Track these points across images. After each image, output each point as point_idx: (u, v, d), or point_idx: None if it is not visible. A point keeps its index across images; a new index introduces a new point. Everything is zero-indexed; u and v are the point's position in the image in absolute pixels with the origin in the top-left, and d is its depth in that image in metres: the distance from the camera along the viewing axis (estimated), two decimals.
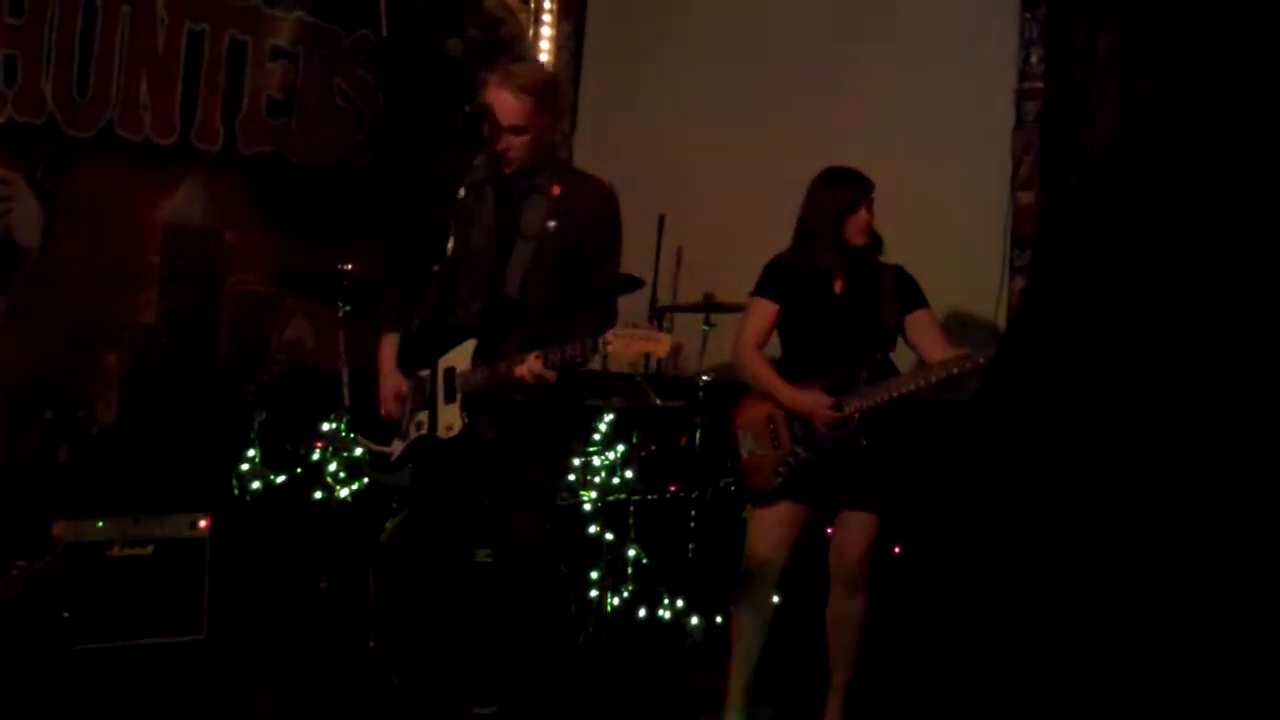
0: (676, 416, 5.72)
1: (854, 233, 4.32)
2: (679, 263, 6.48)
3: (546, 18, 7.29)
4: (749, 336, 4.44)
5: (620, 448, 5.52)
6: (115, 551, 4.93)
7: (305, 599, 5.20)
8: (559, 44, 7.39)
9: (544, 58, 7.28)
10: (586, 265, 4.08)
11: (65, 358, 5.70)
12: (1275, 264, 1.65)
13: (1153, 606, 1.66)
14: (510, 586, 4.17)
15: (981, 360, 4.09)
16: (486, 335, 4.03)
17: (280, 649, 5.05)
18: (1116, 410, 1.75)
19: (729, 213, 6.50)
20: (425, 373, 4.13)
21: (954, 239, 5.73)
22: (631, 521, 5.54)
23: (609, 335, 3.83)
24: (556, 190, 4.09)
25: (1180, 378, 1.69)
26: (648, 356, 4.21)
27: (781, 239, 4.50)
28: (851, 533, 4.33)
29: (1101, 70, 5.59)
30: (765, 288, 4.44)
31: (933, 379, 4.16)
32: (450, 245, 4.02)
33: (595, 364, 4.47)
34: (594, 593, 5.23)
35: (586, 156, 7.53)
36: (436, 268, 3.97)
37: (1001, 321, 5.70)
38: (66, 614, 4.74)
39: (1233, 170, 1.69)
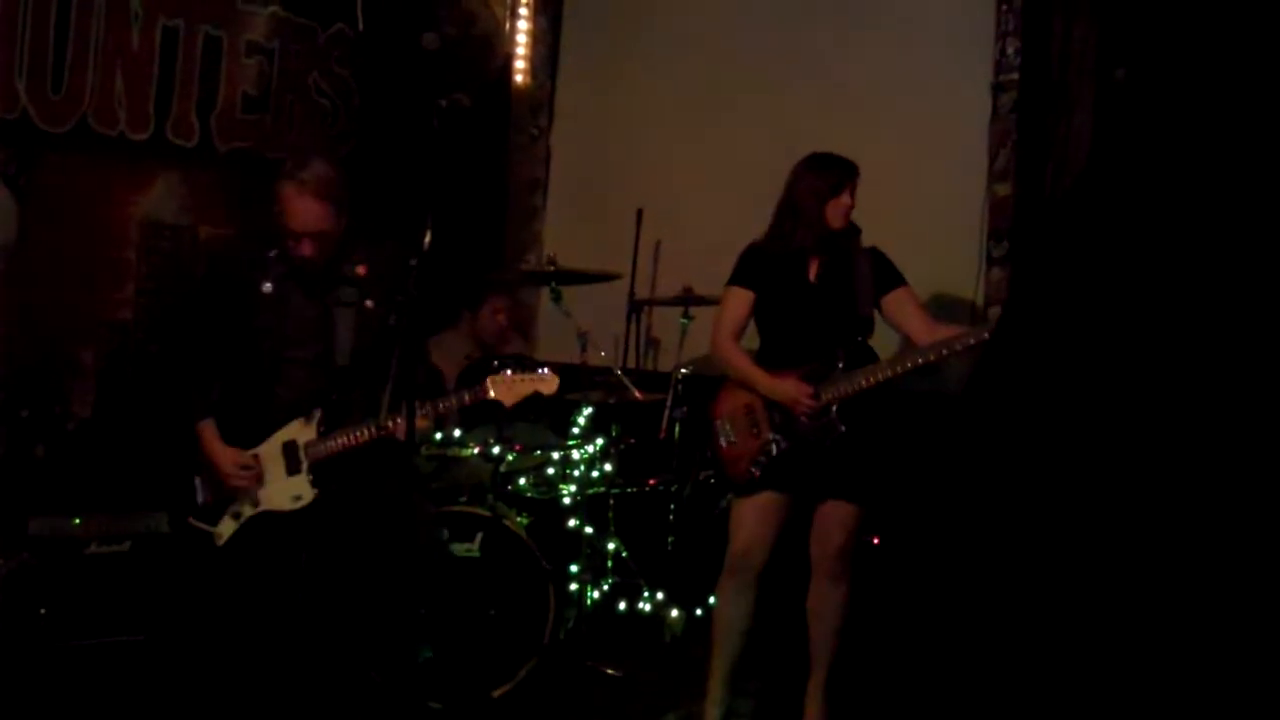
0: (656, 409, 5.72)
1: (834, 216, 4.35)
2: (657, 256, 6.48)
3: (523, 11, 7.28)
4: (726, 327, 4.44)
5: (599, 441, 5.52)
6: (92, 548, 4.90)
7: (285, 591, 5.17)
8: (535, 38, 7.37)
9: (520, 51, 7.27)
10: None
11: (41, 354, 5.66)
12: (1257, 258, 1.66)
13: (1143, 600, 1.66)
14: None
15: (959, 348, 4.10)
16: (329, 405, 4.22)
17: (259, 643, 5.02)
18: (1106, 406, 1.75)
19: (707, 206, 6.50)
20: (257, 450, 4.25)
21: (930, 231, 5.73)
22: (611, 515, 5.55)
23: (489, 382, 4.19)
24: (363, 271, 4.29)
25: (1169, 373, 1.70)
26: (537, 394, 4.37)
27: (759, 232, 4.50)
28: (832, 523, 4.33)
29: (1077, 62, 5.60)
30: (739, 276, 4.45)
31: (909, 365, 4.17)
32: (261, 335, 4.23)
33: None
34: (574, 586, 5.23)
35: (563, 151, 7.53)
36: (414, 261, 3.98)
37: (978, 312, 5.71)
38: (43, 611, 4.71)
39: (1215, 169, 1.70)
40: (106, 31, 5.76)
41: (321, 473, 4.22)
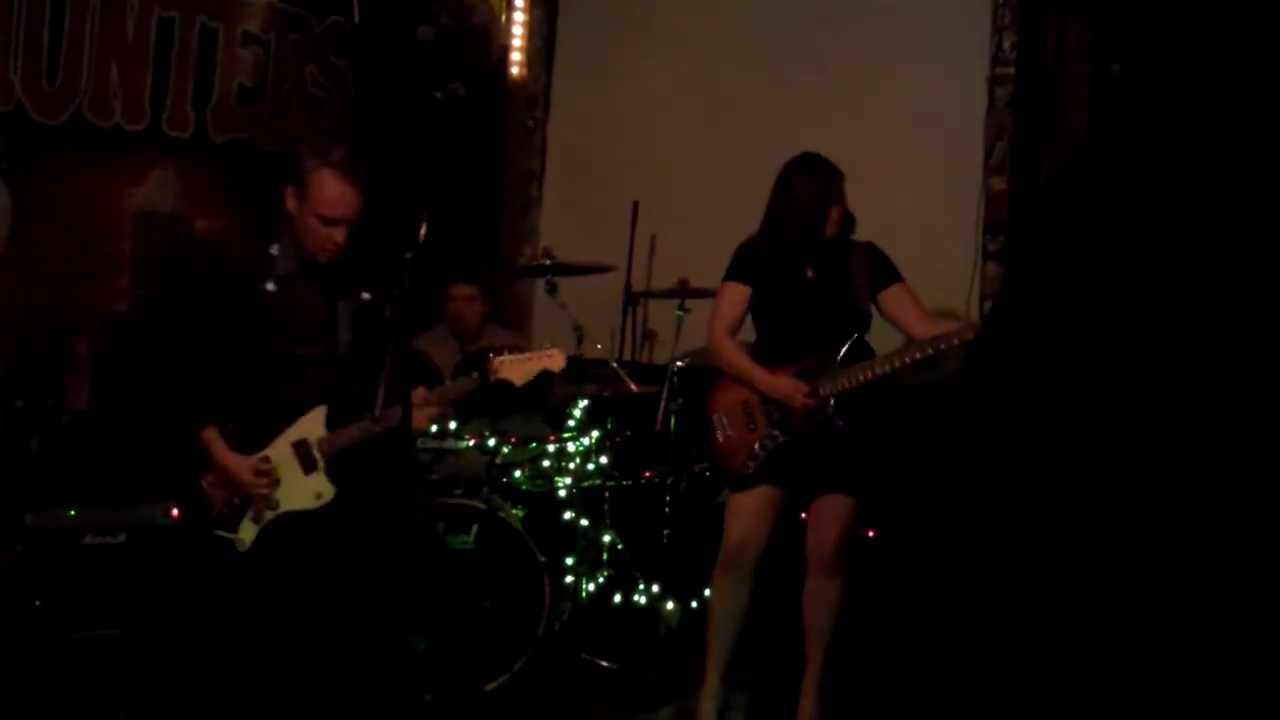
0: (651, 402, 5.72)
1: (826, 226, 4.35)
2: (653, 249, 6.48)
3: (519, 3, 7.27)
4: (722, 322, 4.44)
5: (595, 433, 5.52)
6: (87, 540, 4.90)
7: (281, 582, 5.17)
8: (531, 30, 7.37)
9: (516, 43, 7.26)
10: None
11: (36, 347, 5.65)
12: (1250, 252, 1.66)
13: (1134, 595, 1.66)
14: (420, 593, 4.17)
15: (955, 342, 4.10)
16: (335, 400, 4.17)
17: (254, 636, 5.02)
18: (1096, 399, 1.76)
19: (703, 199, 6.51)
20: (267, 452, 4.17)
21: (926, 224, 5.74)
22: (607, 507, 5.55)
23: (495, 363, 4.12)
24: (354, 263, 4.24)
25: (1160, 366, 1.70)
26: (545, 373, 4.32)
27: (755, 225, 4.50)
28: (828, 517, 4.34)
29: (1073, 57, 5.61)
30: (736, 271, 4.45)
31: (907, 360, 4.17)
32: (268, 334, 4.14)
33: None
34: (569, 578, 5.24)
35: (559, 144, 7.53)
36: (409, 254, 3.96)
37: (973, 307, 5.71)
38: (38, 603, 4.71)
39: (1209, 163, 1.70)
40: (102, 23, 5.74)
41: (337, 468, 4.17)
